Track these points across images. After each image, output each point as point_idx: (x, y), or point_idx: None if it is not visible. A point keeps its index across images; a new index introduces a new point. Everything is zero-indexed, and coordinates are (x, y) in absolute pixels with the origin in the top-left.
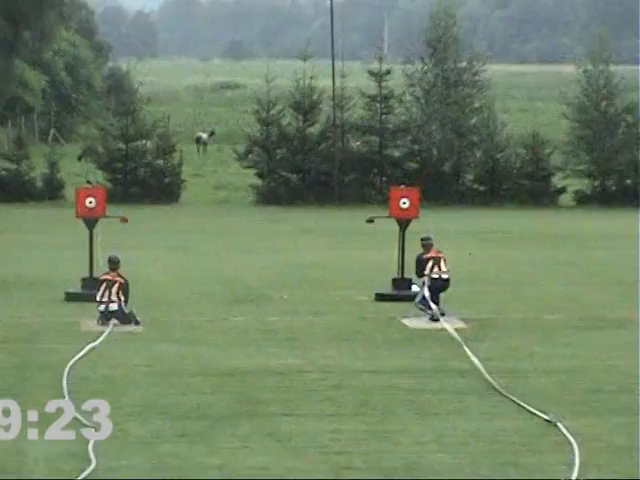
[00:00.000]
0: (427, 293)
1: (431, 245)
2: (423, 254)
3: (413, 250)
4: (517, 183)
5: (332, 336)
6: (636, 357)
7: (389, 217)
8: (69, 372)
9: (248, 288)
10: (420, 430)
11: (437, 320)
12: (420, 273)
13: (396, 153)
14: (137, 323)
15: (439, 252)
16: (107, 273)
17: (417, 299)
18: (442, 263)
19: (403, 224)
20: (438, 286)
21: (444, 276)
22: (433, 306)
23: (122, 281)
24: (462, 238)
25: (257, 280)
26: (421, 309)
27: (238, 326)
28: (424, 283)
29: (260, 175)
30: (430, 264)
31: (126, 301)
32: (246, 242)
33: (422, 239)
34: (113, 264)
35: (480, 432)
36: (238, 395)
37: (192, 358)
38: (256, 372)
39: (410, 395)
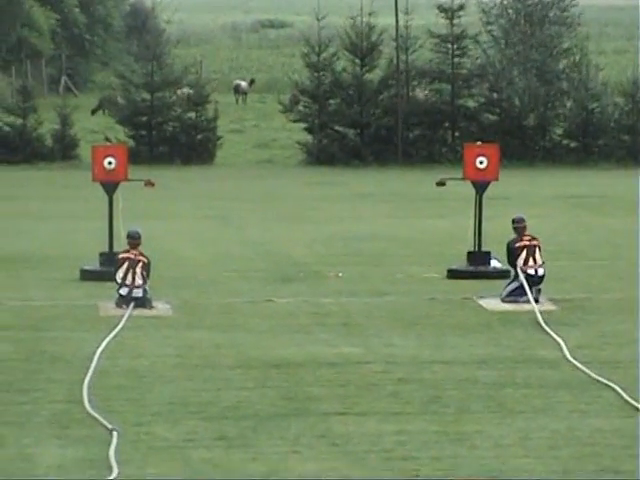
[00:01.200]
0: (516, 285)
1: (524, 228)
2: (515, 241)
3: (491, 218)
4: (615, 138)
5: (396, 321)
6: None
7: (463, 179)
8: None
9: (296, 264)
10: (501, 431)
11: (536, 302)
12: (512, 262)
13: (471, 103)
14: (151, 307)
15: (533, 238)
16: (127, 251)
17: (505, 293)
18: (537, 254)
19: (480, 187)
20: (533, 283)
21: (540, 271)
22: (528, 293)
23: (145, 260)
24: (550, 204)
25: (307, 255)
26: (510, 302)
27: (285, 309)
28: (517, 276)
29: (310, 130)
30: (524, 255)
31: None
32: (294, 210)
33: (513, 220)
34: (134, 240)
35: (572, 433)
36: (285, 391)
37: (230, 347)
38: (306, 363)
39: (489, 390)
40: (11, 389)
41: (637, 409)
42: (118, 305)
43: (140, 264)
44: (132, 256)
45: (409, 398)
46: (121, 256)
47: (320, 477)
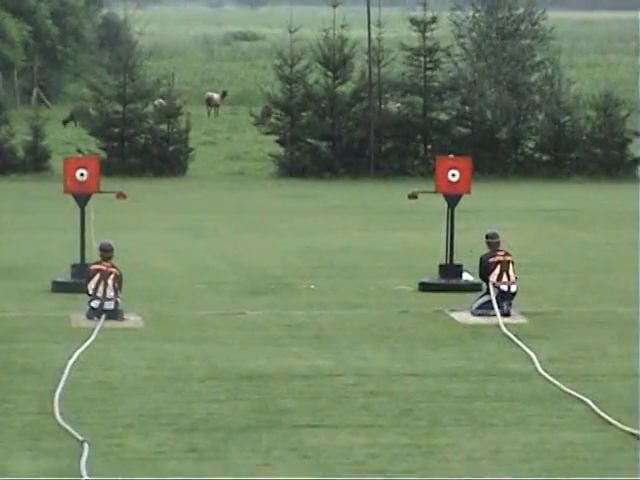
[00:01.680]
0: (487, 299)
1: (498, 244)
2: (488, 255)
3: (463, 231)
4: (587, 152)
5: (368, 333)
6: None
7: (435, 192)
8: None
9: (268, 277)
10: (472, 444)
11: (507, 315)
12: (484, 277)
13: (443, 116)
14: (122, 319)
15: (507, 254)
16: (99, 262)
17: (475, 306)
18: (511, 269)
19: (452, 200)
20: (504, 299)
21: (513, 288)
22: (496, 309)
23: (117, 272)
24: (522, 217)
25: (279, 267)
26: (480, 315)
27: (256, 322)
28: (488, 290)
29: (282, 143)
30: (497, 270)
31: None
32: (265, 222)
33: (487, 236)
34: (106, 252)
35: (544, 446)
36: (256, 403)
37: (202, 360)
38: (278, 376)
39: (460, 403)
40: None
41: (609, 423)
42: (89, 317)
43: (112, 276)
44: (104, 268)
45: (380, 411)
46: (93, 267)
47: None
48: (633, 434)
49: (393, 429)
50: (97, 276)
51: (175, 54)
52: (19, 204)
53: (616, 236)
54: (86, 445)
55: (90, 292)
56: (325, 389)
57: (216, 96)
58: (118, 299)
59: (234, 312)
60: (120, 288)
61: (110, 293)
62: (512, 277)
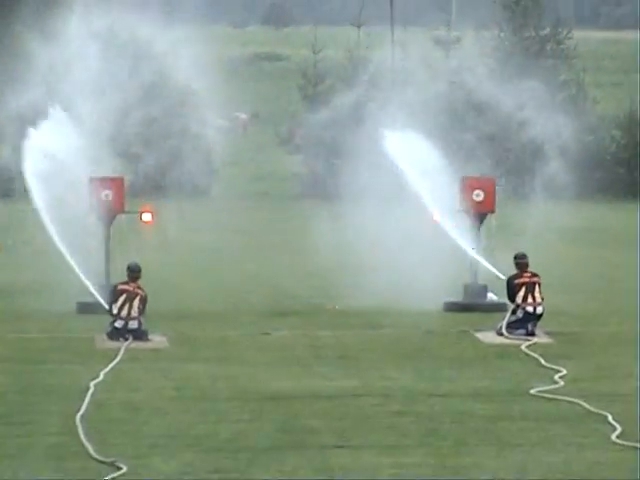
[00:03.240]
0: (513, 319)
1: (526, 265)
2: (515, 277)
3: (488, 250)
4: (611, 171)
5: (392, 353)
6: None
7: (460, 211)
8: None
9: (293, 297)
10: (498, 464)
11: (532, 335)
12: (512, 299)
13: (467, 136)
14: (147, 339)
15: (534, 275)
16: (126, 283)
17: (501, 326)
18: (537, 291)
19: (477, 220)
20: (530, 320)
21: (539, 310)
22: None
23: (143, 294)
24: (545, 237)
25: (303, 287)
26: (507, 335)
27: (281, 342)
28: (514, 311)
29: (307, 162)
30: (522, 292)
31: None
32: (290, 242)
33: (515, 257)
34: (133, 272)
35: (569, 466)
36: (282, 423)
37: (227, 380)
38: (303, 396)
39: (486, 423)
40: (7, 422)
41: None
42: (110, 337)
43: (138, 298)
44: (130, 289)
45: (406, 431)
46: (119, 288)
47: None
48: None
49: (418, 449)
50: (123, 297)
51: (199, 75)
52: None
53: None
54: (123, 466)
55: (114, 312)
56: (350, 409)
57: (244, 116)
58: (142, 319)
59: (259, 332)
60: (144, 310)
61: (134, 313)
62: (538, 298)
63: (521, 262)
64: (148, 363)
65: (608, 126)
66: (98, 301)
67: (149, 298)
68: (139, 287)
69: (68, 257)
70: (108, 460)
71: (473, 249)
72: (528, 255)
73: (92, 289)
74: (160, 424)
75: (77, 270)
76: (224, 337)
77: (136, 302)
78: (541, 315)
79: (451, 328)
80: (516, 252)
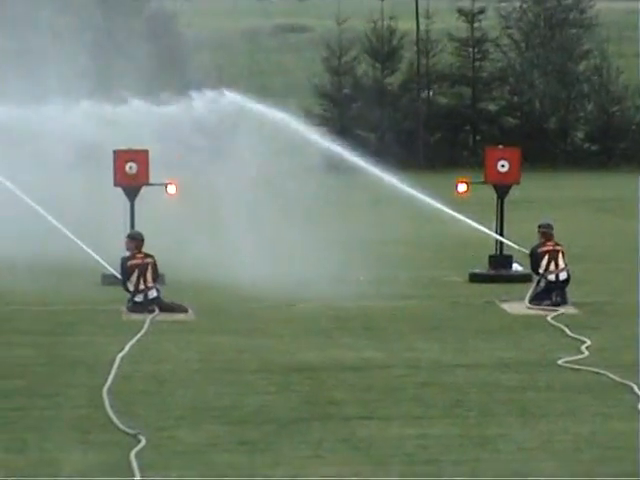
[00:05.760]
0: (539, 290)
1: (551, 235)
2: (539, 246)
3: (513, 222)
4: (636, 141)
5: (418, 324)
6: None
7: (484, 183)
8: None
9: (317, 268)
10: (524, 435)
11: (558, 305)
12: (534, 268)
13: (492, 107)
14: (184, 310)
15: (557, 244)
16: (134, 256)
17: (528, 298)
18: (560, 259)
19: (502, 191)
20: (555, 288)
21: (562, 276)
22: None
23: (152, 261)
24: (571, 207)
25: (327, 258)
26: (535, 305)
27: (306, 313)
28: (538, 282)
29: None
30: (545, 260)
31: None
32: (312, 213)
33: (540, 226)
34: (137, 241)
35: (595, 437)
36: (307, 395)
37: (252, 352)
38: (328, 367)
39: (512, 393)
40: (33, 394)
41: None
42: (132, 311)
43: (149, 267)
44: (140, 262)
45: (431, 402)
46: (130, 264)
47: None
48: None
49: (444, 420)
50: (136, 272)
51: (221, 47)
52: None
53: None
54: (140, 438)
55: (131, 289)
56: (376, 380)
57: None
58: (157, 285)
59: (284, 304)
60: (157, 274)
61: (150, 284)
62: (561, 264)
63: (546, 231)
64: (174, 335)
65: (632, 96)
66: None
67: (175, 271)
68: (147, 255)
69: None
70: (132, 432)
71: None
72: (554, 223)
73: (108, 266)
74: (186, 396)
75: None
76: (249, 309)
77: (149, 272)
78: (566, 281)
79: (476, 299)
80: (541, 221)
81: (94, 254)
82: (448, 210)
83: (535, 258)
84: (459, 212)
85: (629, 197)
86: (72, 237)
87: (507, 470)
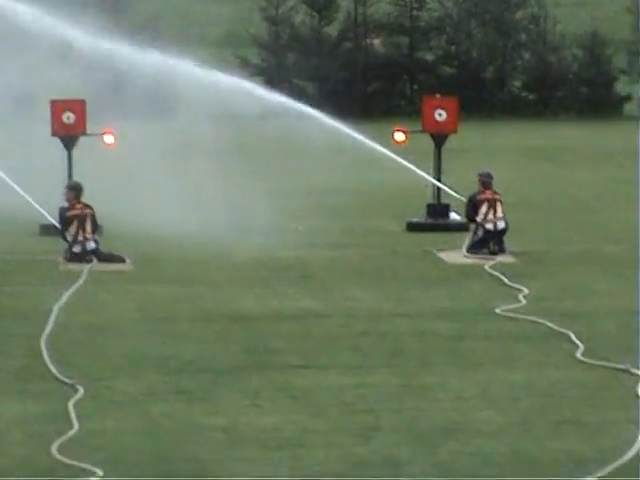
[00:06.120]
0: (476, 239)
1: (490, 184)
2: (478, 194)
3: (451, 171)
4: (573, 90)
5: (356, 274)
6: None
7: (422, 132)
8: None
9: (255, 218)
10: (462, 383)
11: (495, 254)
12: (472, 217)
13: (429, 56)
14: (121, 260)
15: (496, 193)
16: (73, 207)
17: (466, 247)
18: (498, 208)
19: (439, 140)
20: (493, 237)
21: (500, 225)
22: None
23: (91, 212)
24: (509, 156)
25: (265, 208)
26: (473, 254)
27: (244, 263)
28: (475, 232)
29: (268, 84)
30: (484, 208)
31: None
32: (250, 163)
33: (480, 174)
34: (77, 191)
35: (532, 385)
36: (245, 344)
37: (190, 301)
38: (266, 317)
39: (450, 342)
40: None
41: (597, 363)
42: (69, 261)
43: (88, 217)
44: (79, 212)
45: (370, 351)
46: (69, 214)
47: (281, 430)
48: (622, 370)
49: (382, 369)
50: (75, 222)
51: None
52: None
53: (603, 174)
54: (78, 387)
55: (70, 239)
56: (314, 330)
57: None
58: (96, 237)
59: (222, 253)
60: (96, 225)
61: (89, 235)
62: (499, 213)
63: (486, 180)
64: (111, 285)
65: (570, 45)
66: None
67: (112, 221)
68: (86, 206)
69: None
70: (70, 382)
71: None
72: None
73: (47, 215)
74: (123, 346)
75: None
76: (187, 258)
77: (88, 223)
78: (504, 231)
79: (414, 248)
80: (480, 170)
81: (34, 203)
82: (393, 156)
83: (473, 205)
84: (396, 161)
85: (566, 146)
86: (12, 184)
87: (445, 419)
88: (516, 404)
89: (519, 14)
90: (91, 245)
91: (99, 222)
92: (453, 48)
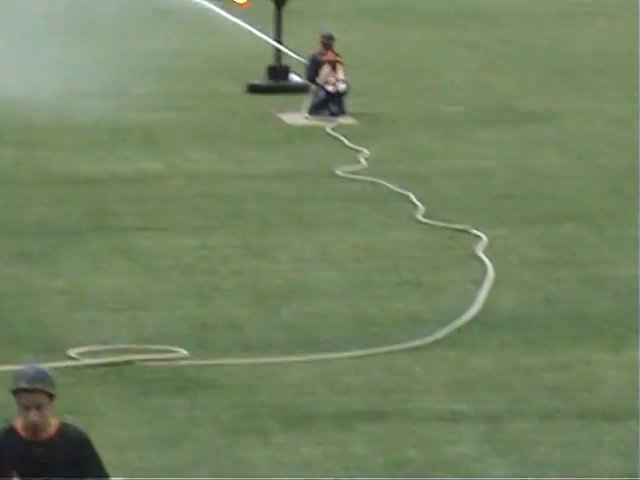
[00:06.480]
0: (317, 101)
1: (332, 46)
2: (319, 53)
3: (292, 33)
4: None
5: (196, 135)
6: (556, 155)
7: None
8: None
9: (98, 81)
10: (302, 245)
11: (336, 115)
12: (312, 77)
13: None
14: None
15: (337, 55)
16: None
17: (307, 109)
18: (340, 70)
19: (280, 2)
20: (333, 98)
21: (341, 88)
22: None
23: None
24: (350, 17)
25: (105, 71)
26: (312, 116)
27: (85, 125)
28: (316, 93)
29: None
30: (326, 70)
31: None
32: (90, 27)
33: (322, 35)
34: None
35: (373, 246)
36: (86, 207)
37: (31, 164)
38: (107, 179)
39: (290, 204)
40: None
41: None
42: None
43: None
44: None
45: (210, 212)
46: None
47: (121, 292)
48: (461, 230)
49: (223, 230)
50: None
51: None
52: None
53: (441, 35)
54: None
55: None
56: (154, 191)
57: None
58: None
59: (63, 116)
60: None
61: None
62: (340, 76)
63: (327, 42)
64: None
65: None
66: None
67: None
68: None
69: None
70: None
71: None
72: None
73: None
74: None
75: None
76: (28, 120)
77: None
78: (344, 93)
79: (255, 110)
80: (321, 31)
81: None
82: (232, 18)
83: (314, 65)
84: (233, 23)
85: (405, 7)
86: None
87: (286, 280)
88: (357, 265)
89: None
90: None
91: None
92: None
